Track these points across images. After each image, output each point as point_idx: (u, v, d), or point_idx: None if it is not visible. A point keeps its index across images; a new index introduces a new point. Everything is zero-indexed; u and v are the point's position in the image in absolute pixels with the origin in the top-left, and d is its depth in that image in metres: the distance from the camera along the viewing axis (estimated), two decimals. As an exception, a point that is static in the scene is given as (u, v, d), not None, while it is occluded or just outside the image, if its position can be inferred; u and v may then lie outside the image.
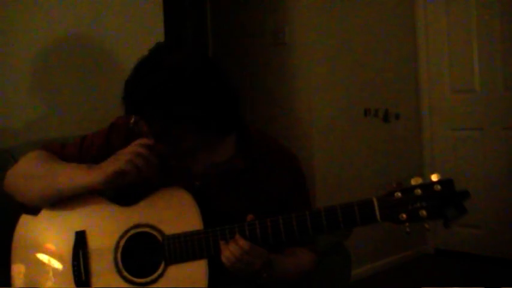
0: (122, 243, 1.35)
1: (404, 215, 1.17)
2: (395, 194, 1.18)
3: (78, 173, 1.33)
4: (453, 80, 3.77)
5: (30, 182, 1.39)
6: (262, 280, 1.30)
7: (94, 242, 1.36)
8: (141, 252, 1.32)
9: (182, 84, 1.23)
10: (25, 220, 1.42)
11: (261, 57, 3.39)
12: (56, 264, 1.39)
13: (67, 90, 2.10)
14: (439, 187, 1.16)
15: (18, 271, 1.41)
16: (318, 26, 3.23)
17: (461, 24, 3.69)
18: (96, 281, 1.35)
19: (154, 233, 1.33)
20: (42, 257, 1.41)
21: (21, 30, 1.98)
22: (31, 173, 1.39)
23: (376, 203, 1.19)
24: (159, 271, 1.31)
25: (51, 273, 1.39)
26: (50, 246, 1.40)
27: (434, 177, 1.17)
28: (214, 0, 3.69)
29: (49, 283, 1.39)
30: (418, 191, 1.17)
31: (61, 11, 2.07)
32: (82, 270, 1.36)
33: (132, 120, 1.29)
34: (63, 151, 1.44)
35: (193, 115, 1.24)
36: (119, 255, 1.34)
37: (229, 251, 1.24)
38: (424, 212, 1.16)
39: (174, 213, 1.33)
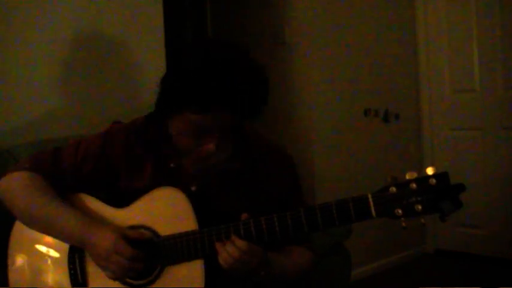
0: None
1: (399, 210, 1.16)
2: (390, 189, 1.17)
3: (75, 237, 1.32)
4: (453, 80, 3.77)
5: (23, 216, 1.38)
6: (260, 278, 1.30)
7: None
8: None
9: (250, 81, 1.24)
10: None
11: (261, 57, 3.37)
12: (53, 265, 1.40)
13: (67, 90, 2.11)
14: (434, 181, 1.15)
15: (15, 269, 1.42)
16: (318, 26, 3.23)
17: (461, 24, 3.69)
18: (93, 283, 1.35)
19: (150, 234, 1.32)
20: (40, 257, 1.41)
21: (21, 31, 1.98)
22: (25, 210, 1.37)
23: (371, 199, 1.18)
24: (156, 272, 1.31)
25: (48, 274, 1.40)
26: (47, 247, 1.40)
27: (429, 171, 1.16)
28: (214, 0, 3.70)
29: (46, 283, 1.39)
30: (413, 186, 1.16)
31: (61, 11, 2.07)
32: (78, 272, 1.36)
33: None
34: (58, 166, 1.41)
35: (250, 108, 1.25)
36: None
37: (227, 252, 1.24)
38: (419, 207, 1.15)
39: (169, 214, 1.33)
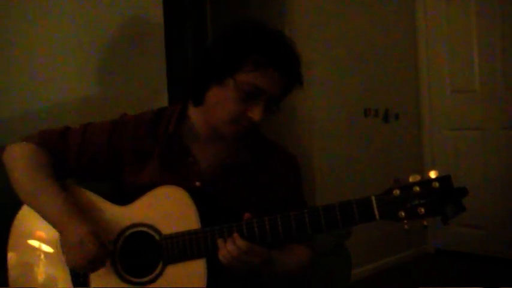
0: (119, 243, 1.35)
1: (402, 213, 1.17)
2: (394, 192, 1.18)
3: (53, 219, 1.33)
4: (453, 80, 3.77)
5: (16, 186, 1.39)
6: (264, 278, 1.30)
7: None
8: (139, 252, 1.32)
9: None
10: (24, 214, 1.42)
11: (261, 57, 3.38)
12: (54, 264, 1.39)
13: (67, 88, 2.10)
14: (437, 184, 1.16)
15: (15, 267, 1.41)
16: (318, 26, 3.23)
17: (461, 24, 3.69)
18: (94, 281, 1.35)
19: (152, 232, 1.33)
20: (40, 256, 1.41)
21: (20, 28, 1.98)
22: (19, 180, 1.38)
23: (374, 202, 1.19)
24: (157, 271, 1.31)
25: (48, 272, 1.40)
26: (47, 245, 1.40)
27: (432, 174, 1.17)
28: (214, 0, 3.69)
29: (47, 281, 1.39)
30: (417, 189, 1.17)
31: (61, 10, 2.07)
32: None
33: None
34: (63, 145, 1.42)
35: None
36: (116, 255, 1.34)
37: (227, 250, 1.24)
38: (422, 210, 1.16)
39: (171, 212, 1.33)
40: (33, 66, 2.01)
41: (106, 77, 2.21)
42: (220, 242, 1.26)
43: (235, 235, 1.25)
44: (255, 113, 1.32)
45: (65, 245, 1.32)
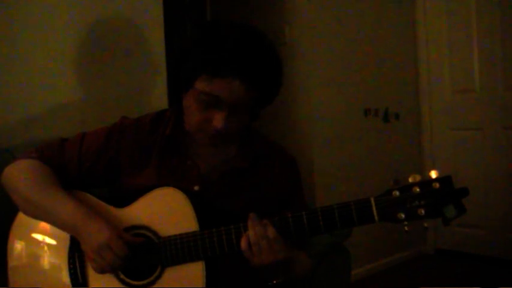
0: None
1: (402, 215, 1.15)
2: (393, 193, 1.16)
3: (70, 223, 1.31)
4: (453, 80, 3.77)
5: (21, 201, 1.37)
6: (280, 280, 1.30)
7: None
8: (138, 255, 1.31)
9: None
10: (23, 218, 1.41)
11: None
12: (53, 265, 1.39)
13: (67, 89, 2.10)
14: (437, 185, 1.14)
15: (14, 269, 1.41)
16: (318, 26, 3.23)
17: (461, 24, 3.69)
18: (93, 283, 1.35)
19: (150, 234, 1.32)
20: (39, 257, 1.40)
21: (21, 28, 1.98)
22: (26, 195, 1.36)
23: (373, 203, 1.17)
24: (156, 273, 1.31)
25: (47, 274, 1.39)
26: (47, 247, 1.40)
27: (433, 174, 1.15)
28: (214, 0, 3.70)
29: (46, 283, 1.39)
30: (416, 189, 1.15)
31: (61, 9, 2.07)
32: (79, 273, 1.35)
33: None
34: (62, 156, 1.42)
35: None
36: None
37: (254, 231, 1.22)
38: (422, 211, 1.14)
39: (169, 215, 1.32)
40: (31, 68, 2.01)
41: (106, 78, 2.21)
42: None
43: (267, 221, 1.23)
44: (217, 121, 1.27)
45: (88, 252, 1.29)
